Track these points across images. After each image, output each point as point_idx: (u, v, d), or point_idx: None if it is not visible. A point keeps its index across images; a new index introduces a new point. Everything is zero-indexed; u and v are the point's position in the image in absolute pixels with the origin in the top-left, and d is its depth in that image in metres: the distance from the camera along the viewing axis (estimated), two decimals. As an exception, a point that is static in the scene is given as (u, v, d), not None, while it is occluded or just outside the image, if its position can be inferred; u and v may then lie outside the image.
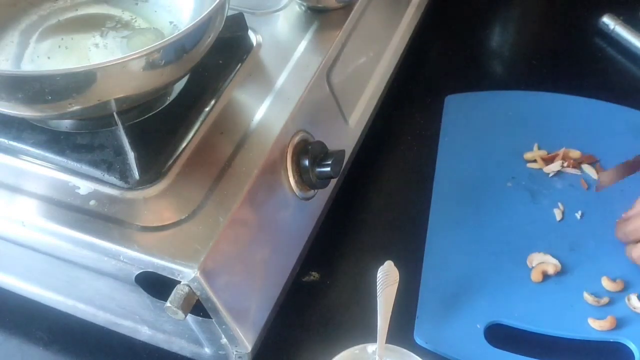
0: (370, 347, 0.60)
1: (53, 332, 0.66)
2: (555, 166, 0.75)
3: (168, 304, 0.52)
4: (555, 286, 0.66)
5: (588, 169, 0.75)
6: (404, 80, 0.85)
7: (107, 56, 0.65)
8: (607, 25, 0.92)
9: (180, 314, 0.52)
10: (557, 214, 0.72)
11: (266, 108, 0.64)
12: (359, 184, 0.76)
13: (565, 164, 0.75)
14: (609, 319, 0.63)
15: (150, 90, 0.57)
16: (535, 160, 0.76)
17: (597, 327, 0.63)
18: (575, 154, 0.76)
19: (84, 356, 0.65)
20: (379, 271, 0.61)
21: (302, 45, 0.70)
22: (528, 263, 0.68)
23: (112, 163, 0.59)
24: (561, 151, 0.76)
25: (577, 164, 0.75)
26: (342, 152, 0.65)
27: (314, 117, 0.67)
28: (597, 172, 0.74)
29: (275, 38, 0.71)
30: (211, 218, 0.56)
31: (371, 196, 0.76)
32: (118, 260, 0.55)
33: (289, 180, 0.63)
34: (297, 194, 0.63)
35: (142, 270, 0.55)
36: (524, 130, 0.79)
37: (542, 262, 0.67)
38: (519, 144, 0.78)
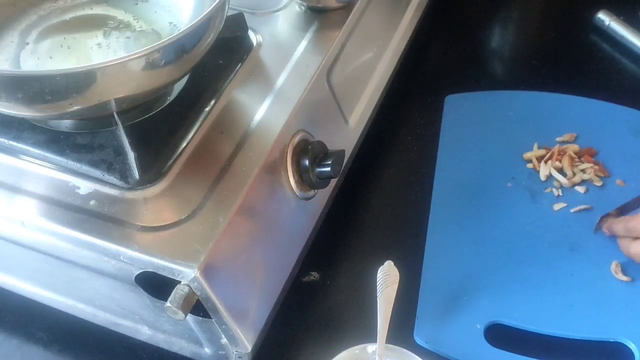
0: (370, 347, 0.60)
1: (53, 332, 0.66)
2: (545, 170, 0.74)
3: (168, 304, 0.52)
4: (556, 286, 0.66)
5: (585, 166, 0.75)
6: (404, 80, 0.85)
7: (110, 56, 0.65)
8: (603, 22, 0.92)
9: (180, 314, 0.52)
10: (557, 213, 0.72)
11: (266, 108, 0.64)
12: (359, 184, 0.76)
13: (560, 163, 0.75)
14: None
15: (150, 90, 0.57)
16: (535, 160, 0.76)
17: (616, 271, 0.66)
18: (574, 147, 0.76)
19: (84, 356, 0.65)
20: (379, 271, 0.61)
21: (302, 45, 0.70)
22: None
23: (112, 163, 0.58)
24: (555, 148, 0.76)
25: (567, 157, 0.75)
26: (342, 152, 0.65)
27: (314, 117, 0.67)
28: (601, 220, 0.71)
29: (275, 38, 0.71)
30: (211, 218, 0.56)
31: (371, 196, 0.76)
32: (118, 260, 0.55)
33: (289, 180, 0.63)
34: (297, 194, 0.63)
35: (142, 270, 0.55)
36: (524, 130, 0.79)
37: None
38: (519, 144, 0.78)
